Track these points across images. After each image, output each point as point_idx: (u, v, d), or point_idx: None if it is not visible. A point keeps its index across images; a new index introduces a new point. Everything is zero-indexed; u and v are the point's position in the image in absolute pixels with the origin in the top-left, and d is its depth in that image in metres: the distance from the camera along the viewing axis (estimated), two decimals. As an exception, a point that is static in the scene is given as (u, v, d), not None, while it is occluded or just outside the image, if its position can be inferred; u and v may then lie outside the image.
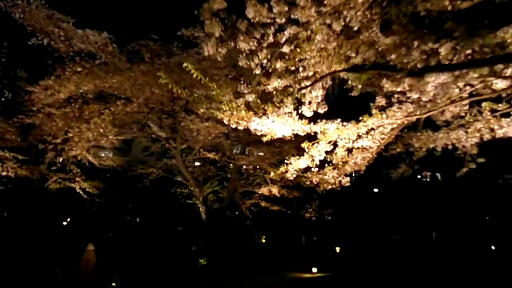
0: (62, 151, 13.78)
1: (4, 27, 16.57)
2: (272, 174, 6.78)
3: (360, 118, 5.40)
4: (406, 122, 5.89)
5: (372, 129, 5.64)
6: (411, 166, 8.76)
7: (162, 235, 18.13)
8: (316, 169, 5.96)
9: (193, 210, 17.76)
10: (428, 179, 33.98)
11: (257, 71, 5.15)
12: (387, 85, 5.18)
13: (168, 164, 17.01)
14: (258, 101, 5.03)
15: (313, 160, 5.70)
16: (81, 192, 18.08)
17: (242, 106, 4.96)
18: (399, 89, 5.29)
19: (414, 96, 5.39)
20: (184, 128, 14.04)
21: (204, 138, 14.96)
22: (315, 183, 6.15)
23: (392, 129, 5.90)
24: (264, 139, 5.42)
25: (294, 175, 5.86)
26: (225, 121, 5.01)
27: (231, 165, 15.87)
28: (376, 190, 33.66)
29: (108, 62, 12.25)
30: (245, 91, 5.33)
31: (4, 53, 19.70)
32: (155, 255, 15.82)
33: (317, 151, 5.57)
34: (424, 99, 5.41)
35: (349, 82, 5.48)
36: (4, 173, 17.17)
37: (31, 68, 15.38)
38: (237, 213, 18.30)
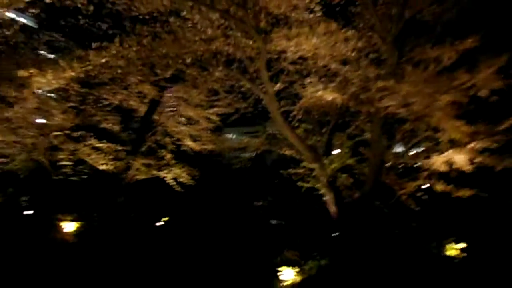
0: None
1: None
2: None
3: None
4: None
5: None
6: None
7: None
8: None
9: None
10: None
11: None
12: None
13: (271, 132, 11.12)
14: None
15: None
16: (173, 183, 14.04)
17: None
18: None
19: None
20: (272, 46, 7.82)
21: (312, 63, 8.49)
22: None
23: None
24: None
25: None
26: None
27: (366, 115, 8.74)
28: None
29: None
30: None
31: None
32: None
33: None
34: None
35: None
36: (103, 167, 14.47)
37: None
38: (393, 203, 10.87)
